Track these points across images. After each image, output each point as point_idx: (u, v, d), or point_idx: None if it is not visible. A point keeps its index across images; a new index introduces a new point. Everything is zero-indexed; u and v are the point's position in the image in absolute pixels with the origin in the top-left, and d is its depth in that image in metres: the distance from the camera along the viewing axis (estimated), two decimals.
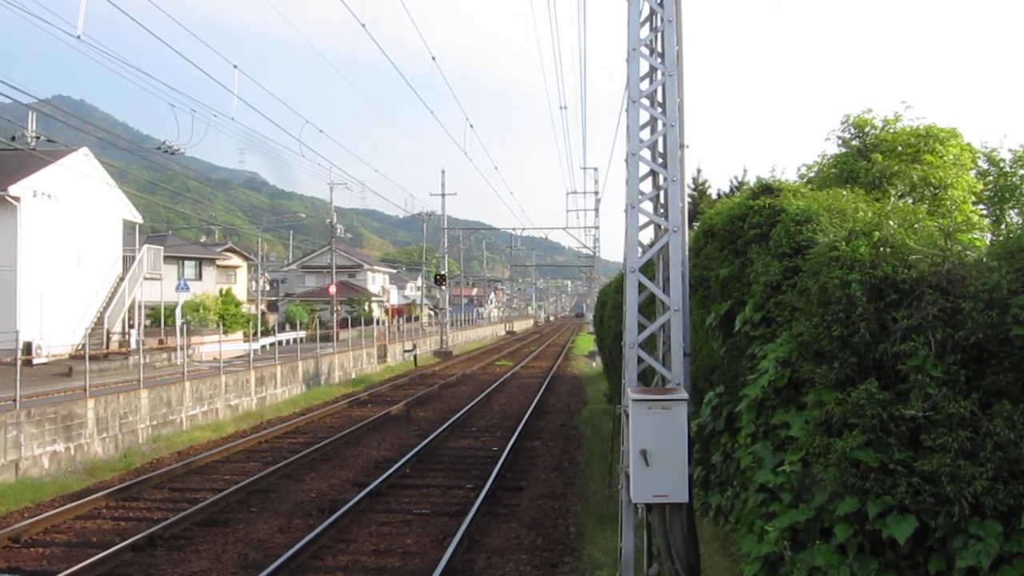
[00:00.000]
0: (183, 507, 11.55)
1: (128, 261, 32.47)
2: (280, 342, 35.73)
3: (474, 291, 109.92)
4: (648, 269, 7.15)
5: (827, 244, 5.51)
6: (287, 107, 25.56)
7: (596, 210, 66.55)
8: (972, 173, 10.00)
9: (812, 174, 10.93)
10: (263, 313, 50.36)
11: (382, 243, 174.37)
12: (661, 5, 6.90)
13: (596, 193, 57.11)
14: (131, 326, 31.96)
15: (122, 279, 31.39)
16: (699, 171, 23.53)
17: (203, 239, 59.13)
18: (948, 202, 9.22)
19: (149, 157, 24.14)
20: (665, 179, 6.81)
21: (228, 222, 79.42)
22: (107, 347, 28.57)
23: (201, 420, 20.16)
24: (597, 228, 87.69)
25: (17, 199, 25.38)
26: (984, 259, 4.77)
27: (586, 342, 62.35)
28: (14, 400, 14.25)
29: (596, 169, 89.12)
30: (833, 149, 10.92)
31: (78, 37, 14.41)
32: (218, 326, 37.51)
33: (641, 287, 6.76)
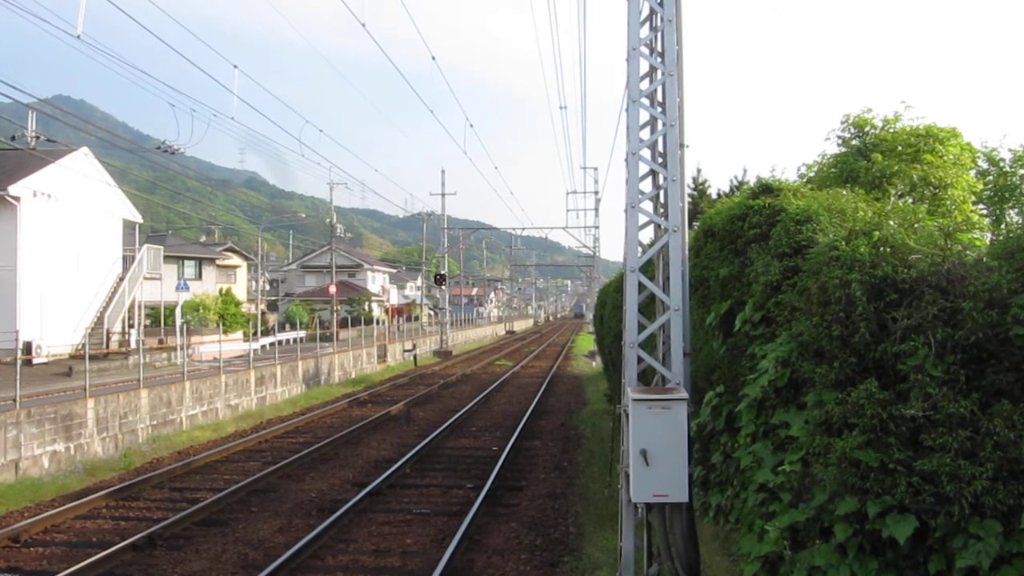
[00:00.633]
0: (183, 507, 11.55)
1: (128, 261, 32.44)
2: (280, 342, 35.75)
3: (474, 291, 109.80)
4: (648, 269, 7.14)
5: (827, 244, 5.51)
6: (287, 107, 25.56)
7: (596, 210, 66.72)
8: (972, 173, 10.02)
9: (812, 174, 10.95)
10: (263, 313, 50.39)
11: (382, 243, 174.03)
12: (661, 5, 6.90)
13: (596, 193, 57.12)
14: (131, 326, 31.93)
15: (122, 279, 31.36)
16: (699, 171, 23.60)
17: (203, 239, 59.08)
18: (948, 202, 9.22)
19: (149, 157, 24.11)
20: (665, 179, 6.81)
21: (228, 222, 79.18)
22: (107, 347, 28.55)
23: (201, 420, 20.16)
24: (597, 228, 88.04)
25: (17, 199, 25.37)
26: (984, 259, 4.77)
27: (586, 342, 62.31)
28: (14, 400, 14.25)
29: (596, 169, 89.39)
30: (833, 149, 10.94)
31: (78, 37, 14.39)
32: (218, 326, 37.49)
33: (641, 287, 6.76)
